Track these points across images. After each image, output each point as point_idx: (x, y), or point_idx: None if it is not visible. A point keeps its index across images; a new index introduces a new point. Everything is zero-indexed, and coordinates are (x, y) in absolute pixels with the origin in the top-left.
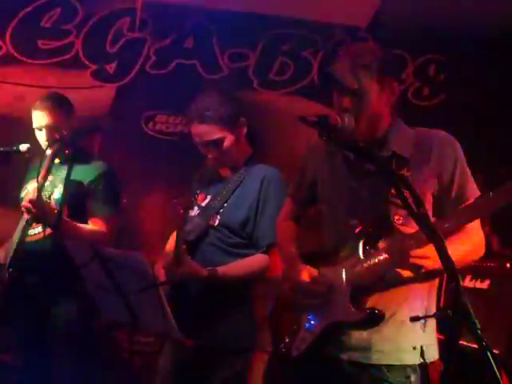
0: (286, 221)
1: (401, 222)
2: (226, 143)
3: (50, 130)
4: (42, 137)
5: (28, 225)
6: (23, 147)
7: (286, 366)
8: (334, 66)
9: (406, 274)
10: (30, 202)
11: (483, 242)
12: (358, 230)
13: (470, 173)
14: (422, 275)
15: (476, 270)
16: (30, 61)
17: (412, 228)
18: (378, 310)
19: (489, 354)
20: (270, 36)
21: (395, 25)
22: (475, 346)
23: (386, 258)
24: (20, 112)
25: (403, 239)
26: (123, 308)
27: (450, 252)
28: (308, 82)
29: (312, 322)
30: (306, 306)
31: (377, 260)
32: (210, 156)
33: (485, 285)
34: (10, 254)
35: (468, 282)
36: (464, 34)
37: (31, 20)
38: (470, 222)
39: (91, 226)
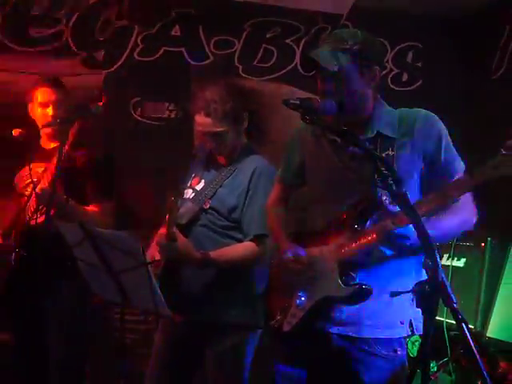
0: (275, 205)
1: (388, 201)
2: (227, 136)
3: (57, 105)
4: (44, 114)
5: (35, 210)
6: (15, 132)
7: (278, 341)
8: (314, 50)
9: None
10: (41, 189)
11: (473, 214)
12: (346, 212)
13: (454, 149)
14: (406, 253)
15: (453, 248)
16: (20, 48)
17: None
18: (365, 286)
19: (464, 327)
20: (254, 24)
21: (374, 12)
22: (451, 321)
23: (372, 238)
24: (10, 98)
25: (386, 219)
26: (114, 287)
27: (439, 224)
28: (291, 69)
29: (302, 299)
30: (289, 283)
31: (364, 238)
32: (209, 145)
33: (461, 263)
34: (16, 237)
35: (445, 261)
36: (438, 20)
37: (22, 8)
38: (449, 202)
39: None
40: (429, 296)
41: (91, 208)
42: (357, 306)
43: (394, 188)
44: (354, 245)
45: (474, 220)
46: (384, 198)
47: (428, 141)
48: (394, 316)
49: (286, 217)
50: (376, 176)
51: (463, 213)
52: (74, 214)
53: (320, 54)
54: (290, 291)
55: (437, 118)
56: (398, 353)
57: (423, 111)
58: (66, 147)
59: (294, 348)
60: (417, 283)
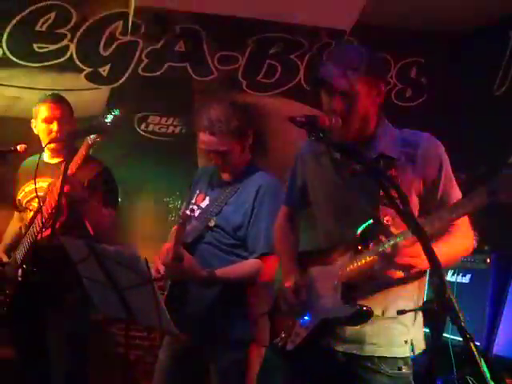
0: (282, 227)
1: (390, 222)
2: (232, 154)
3: (61, 121)
4: (48, 129)
5: (39, 225)
6: (20, 147)
7: (281, 358)
8: (324, 68)
9: (398, 274)
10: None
11: (471, 239)
12: (348, 231)
13: (453, 177)
14: (413, 275)
15: (458, 264)
16: (25, 64)
17: (400, 229)
18: (366, 307)
19: (472, 345)
20: (258, 40)
21: (378, 28)
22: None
23: (375, 259)
24: (15, 114)
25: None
26: (118, 303)
27: (442, 250)
28: (295, 84)
29: (306, 318)
30: (285, 312)
31: (367, 260)
32: (214, 163)
33: (466, 279)
34: (22, 252)
35: (450, 277)
36: (440, 35)
37: (27, 24)
38: (447, 223)
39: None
40: (436, 314)
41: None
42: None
43: (400, 206)
44: (355, 266)
45: (474, 244)
46: (386, 218)
47: (429, 167)
48: (397, 335)
49: (296, 238)
50: (381, 194)
51: (462, 239)
52: (94, 212)
53: (329, 72)
54: (293, 311)
55: (439, 143)
56: (403, 371)
57: (426, 135)
58: (78, 161)
59: (298, 366)
60: (425, 301)
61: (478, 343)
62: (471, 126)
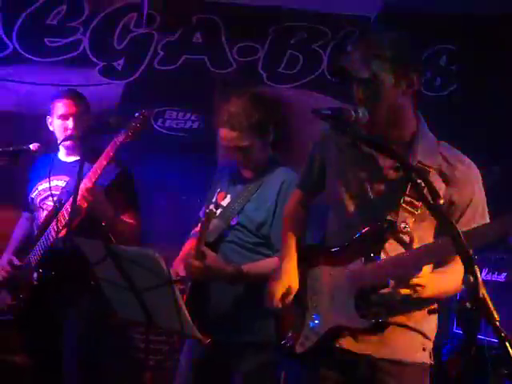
0: (292, 214)
1: (406, 230)
2: (253, 150)
3: (78, 118)
4: (64, 126)
5: (58, 226)
6: (33, 146)
7: (290, 361)
8: (346, 55)
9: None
10: (87, 190)
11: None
12: (363, 233)
13: (484, 207)
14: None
15: (493, 262)
16: (36, 59)
17: (412, 237)
18: (382, 320)
19: (508, 346)
20: (278, 29)
21: (405, 15)
22: (494, 339)
23: (385, 272)
24: (27, 110)
25: (403, 264)
26: (137, 306)
27: (446, 280)
28: (318, 75)
29: (316, 322)
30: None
31: (379, 274)
32: (235, 159)
33: (502, 277)
34: (37, 255)
35: (485, 275)
36: (476, 21)
37: (37, 18)
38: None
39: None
40: (470, 314)
41: (126, 219)
42: None
43: (431, 201)
44: (368, 275)
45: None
46: (403, 225)
47: (461, 195)
48: (416, 340)
49: (305, 225)
50: (412, 188)
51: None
52: (118, 227)
53: (351, 60)
54: (301, 309)
55: (478, 172)
56: (423, 376)
57: (467, 160)
58: (104, 162)
59: (310, 366)
60: (457, 301)
61: None
62: (505, 115)
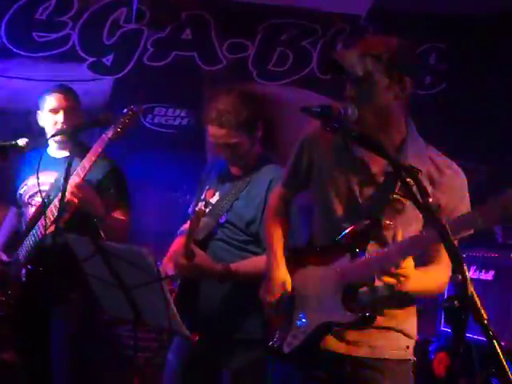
0: (275, 214)
1: (391, 226)
2: (242, 147)
3: (68, 112)
4: (54, 120)
5: (47, 222)
6: (22, 141)
7: (278, 360)
8: (339, 51)
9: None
10: (76, 186)
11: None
12: (348, 231)
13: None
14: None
15: (480, 260)
16: (25, 54)
17: (397, 233)
18: (369, 313)
19: (496, 344)
20: (268, 26)
21: (395, 12)
22: (481, 337)
23: (370, 268)
24: (16, 106)
25: (388, 255)
26: (126, 304)
27: (429, 277)
28: (308, 73)
29: (303, 320)
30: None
31: (365, 268)
32: (223, 156)
33: (489, 276)
34: (26, 251)
35: (472, 273)
36: (464, 19)
37: (26, 12)
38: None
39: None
40: (458, 312)
41: (116, 216)
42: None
43: (420, 199)
44: (354, 270)
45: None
46: (388, 221)
47: (449, 199)
48: (400, 340)
49: (288, 224)
50: (401, 186)
51: (445, 273)
52: (109, 224)
53: (346, 56)
54: (288, 310)
55: (464, 178)
56: (405, 372)
57: (454, 167)
58: (93, 158)
59: (298, 367)
60: (445, 299)
61: (502, 343)
62: (494, 115)
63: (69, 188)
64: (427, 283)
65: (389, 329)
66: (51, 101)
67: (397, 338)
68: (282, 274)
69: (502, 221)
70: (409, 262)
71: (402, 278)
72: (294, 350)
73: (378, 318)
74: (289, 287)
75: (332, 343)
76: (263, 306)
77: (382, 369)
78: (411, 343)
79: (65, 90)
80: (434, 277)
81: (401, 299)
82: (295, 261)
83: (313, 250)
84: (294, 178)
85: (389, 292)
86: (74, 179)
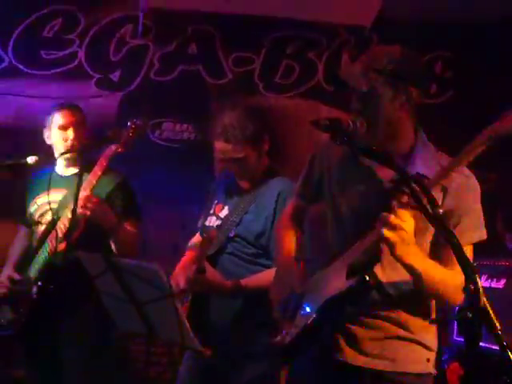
0: (288, 226)
1: None
2: (249, 161)
3: (77, 128)
4: (64, 136)
5: (58, 238)
6: (31, 159)
7: (283, 358)
8: (345, 68)
9: (391, 236)
10: (86, 198)
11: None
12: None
13: (476, 220)
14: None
15: (491, 269)
16: (33, 72)
17: None
18: (368, 275)
19: (509, 354)
20: (273, 39)
21: (399, 22)
22: (495, 347)
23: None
24: (24, 124)
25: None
26: (138, 319)
27: (436, 267)
28: (314, 84)
29: (307, 309)
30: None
31: (368, 240)
32: (231, 171)
33: (500, 284)
34: (36, 268)
35: (483, 282)
36: (469, 27)
37: (33, 31)
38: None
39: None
40: (471, 323)
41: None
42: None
43: (430, 210)
44: (358, 248)
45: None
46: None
47: (457, 205)
48: (419, 352)
49: (299, 234)
50: (411, 197)
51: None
52: (121, 235)
53: (350, 72)
54: (295, 310)
55: (476, 184)
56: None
57: (466, 172)
58: (98, 172)
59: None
60: (458, 310)
61: None
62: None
63: (79, 202)
64: (440, 275)
65: (410, 341)
66: (60, 117)
67: (417, 350)
68: (291, 274)
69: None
70: (408, 216)
71: (402, 233)
72: (294, 339)
73: (398, 329)
74: (297, 288)
75: (351, 355)
76: (272, 306)
77: (399, 380)
78: (432, 356)
79: (72, 107)
80: (447, 273)
81: (417, 310)
82: (310, 270)
83: (324, 260)
84: (306, 189)
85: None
86: (82, 194)
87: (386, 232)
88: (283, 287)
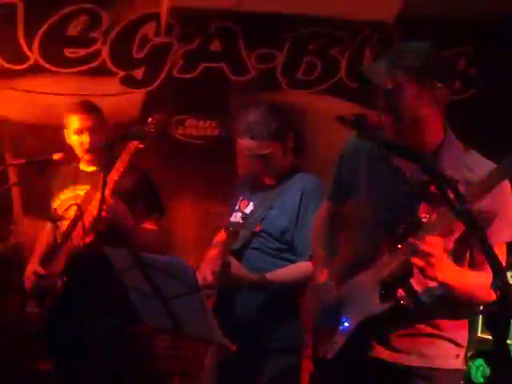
0: (322, 226)
1: (426, 219)
2: (274, 157)
3: (93, 132)
4: (80, 140)
5: (85, 234)
6: (57, 156)
7: (323, 370)
8: (369, 66)
9: (420, 263)
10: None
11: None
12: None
13: (509, 221)
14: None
15: None
16: (58, 70)
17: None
18: (402, 301)
19: None
20: (296, 35)
21: (422, 18)
22: None
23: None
24: (50, 122)
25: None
26: (165, 314)
27: (469, 274)
28: (336, 81)
29: (346, 324)
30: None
31: (400, 256)
32: (256, 168)
33: None
34: (61, 263)
35: (510, 278)
36: (492, 22)
37: (57, 29)
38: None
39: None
40: (499, 318)
41: (148, 226)
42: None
43: (459, 207)
44: (389, 262)
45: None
46: (423, 215)
47: (486, 205)
48: (449, 349)
49: (334, 238)
50: (439, 195)
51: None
52: (140, 236)
53: (374, 70)
54: (332, 318)
55: (507, 184)
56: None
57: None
58: (121, 169)
59: (344, 375)
60: (486, 305)
61: None
62: None
63: (93, 205)
64: (467, 280)
65: (439, 337)
66: (75, 121)
67: (447, 346)
68: (327, 281)
69: None
70: (436, 240)
71: (432, 259)
72: (339, 357)
73: (427, 327)
74: (333, 295)
75: (383, 352)
76: (305, 313)
77: (432, 378)
78: (462, 352)
79: (87, 109)
80: (477, 276)
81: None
82: (343, 275)
83: (359, 261)
84: (337, 189)
85: (429, 297)
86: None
87: (415, 259)
88: (318, 293)
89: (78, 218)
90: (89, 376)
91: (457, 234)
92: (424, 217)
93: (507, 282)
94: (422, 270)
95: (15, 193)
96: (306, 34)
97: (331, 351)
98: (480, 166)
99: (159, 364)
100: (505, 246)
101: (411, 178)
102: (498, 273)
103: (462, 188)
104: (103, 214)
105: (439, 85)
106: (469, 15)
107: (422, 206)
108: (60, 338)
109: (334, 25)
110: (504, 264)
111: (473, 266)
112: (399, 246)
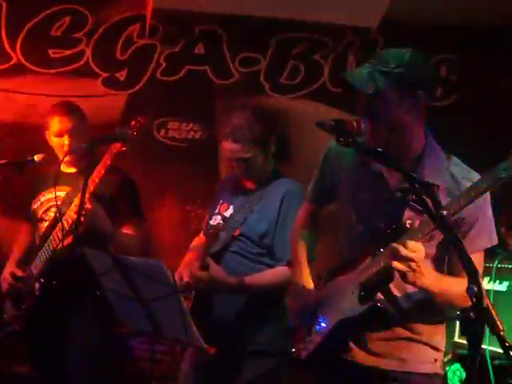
0: (302, 228)
1: (411, 225)
2: (256, 161)
3: (73, 134)
4: (61, 143)
5: (64, 236)
6: (38, 157)
7: (298, 370)
8: (351, 71)
9: (401, 266)
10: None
11: None
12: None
13: (487, 228)
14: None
15: (494, 271)
16: (40, 70)
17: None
18: (380, 304)
19: None
20: (280, 40)
21: (406, 24)
22: (497, 349)
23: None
24: (32, 122)
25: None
26: (144, 317)
27: (448, 280)
28: (319, 86)
29: (322, 324)
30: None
31: (382, 260)
32: (237, 171)
33: (503, 287)
34: (39, 265)
35: (486, 284)
36: (475, 30)
37: (41, 29)
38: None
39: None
40: (474, 323)
41: (126, 231)
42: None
43: (434, 212)
44: (370, 265)
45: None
46: (408, 221)
47: (466, 211)
48: (426, 353)
49: (314, 239)
50: (416, 201)
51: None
52: (118, 241)
53: (356, 75)
54: (311, 317)
55: (488, 196)
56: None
57: (475, 178)
58: (101, 171)
59: (318, 377)
60: (461, 310)
61: None
62: (508, 126)
63: (72, 207)
64: (447, 285)
65: (418, 342)
66: (55, 123)
67: (425, 350)
68: (307, 282)
69: None
70: (418, 246)
71: (413, 264)
72: (310, 355)
73: (406, 331)
74: (313, 296)
75: (360, 355)
76: (288, 313)
77: (409, 382)
78: (439, 356)
79: (68, 111)
80: (455, 281)
81: (427, 314)
82: (326, 277)
83: (342, 264)
84: (318, 192)
85: (407, 302)
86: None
87: (396, 264)
88: (298, 294)
89: (58, 219)
90: (69, 379)
91: (438, 240)
92: (408, 223)
93: (482, 288)
94: (402, 275)
95: None
96: (290, 39)
97: (305, 350)
98: (462, 175)
99: (139, 367)
100: (483, 252)
101: (393, 184)
102: (474, 278)
103: (442, 194)
104: (82, 218)
105: (420, 92)
106: (453, 22)
107: (407, 212)
108: (39, 341)
109: (318, 30)
110: (480, 270)
111: (451, 271)
112: (381, 249)
